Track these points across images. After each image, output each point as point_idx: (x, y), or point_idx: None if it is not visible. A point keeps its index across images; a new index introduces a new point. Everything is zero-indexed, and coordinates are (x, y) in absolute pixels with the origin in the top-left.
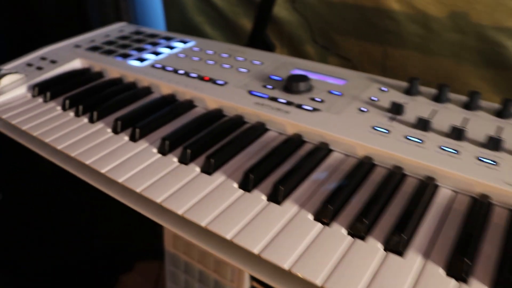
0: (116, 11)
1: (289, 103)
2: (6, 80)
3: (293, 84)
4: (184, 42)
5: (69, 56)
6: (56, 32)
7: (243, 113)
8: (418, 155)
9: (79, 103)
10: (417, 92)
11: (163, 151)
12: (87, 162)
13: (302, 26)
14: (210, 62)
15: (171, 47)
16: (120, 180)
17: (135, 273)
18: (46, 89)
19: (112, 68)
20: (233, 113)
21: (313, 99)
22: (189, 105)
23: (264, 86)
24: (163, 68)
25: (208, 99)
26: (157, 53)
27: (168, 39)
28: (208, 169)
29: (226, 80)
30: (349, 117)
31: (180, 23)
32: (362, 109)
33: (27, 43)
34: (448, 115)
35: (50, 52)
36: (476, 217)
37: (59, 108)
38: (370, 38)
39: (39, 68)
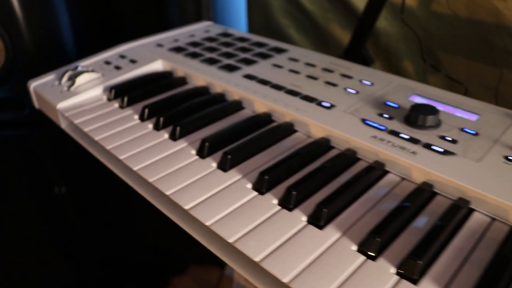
0: (197, 8)
1: (414, 141)
2: (82, 79)
3: (419, 117)
4: (279, 50)
5: (150, 56)
6: (134, 28)
7: (356, 148)
8: None
9: (160, 114)
10: None
11: (260, 188)
12: (168, 192)
13: (402, 39)
14: (313, 78)
15: (265, 55)
16: (208, 223)
17: (187, 276)
18: (124, 93)
19: (198, 74)
20: (343, 146)
21: (443, 138)
22: (289, 129)
23: (380, 115)
24: (257, 80)
25: (313, 125)
26: (249, 61)
27: (260, 45)
28: (318, 221)
29: (333, 102)
30: (494, 167)
31: (263, 25)
32: (510, 157)
33: (104, 39)
34: None
35: (130, 50)
36: None
37: (136, 117)
38: (484, 59)
39: (118, 68)
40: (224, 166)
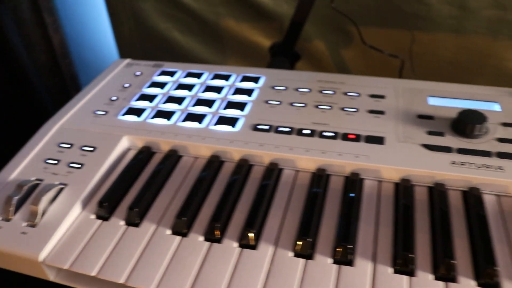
0: (40, 28)
1: (486, 154)
2: (45, 202)
3: (476, 127)
4: (252, 79)
5: (107, 135)
6: None
7: (442, 180)
8: None
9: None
10: None
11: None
12: None
13: (308, 21)
14: (325, 107)
15: (244, 91)
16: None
17: None
18: (117, 203)
19: (192, 143)
20: (426, 182)
21: (502, 140)
22: (359, 182)
23: (430, 133)
24: (274, 130)
25: (385, 169)
26: (238, 105)
27: (223, 78)
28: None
29: (377, 133)
30: None
31: (136, 34)
32: None
33: None
34: None
35: (63, 132)
36: None
37: (168, 232)
38: (396, 25)
39: (76, 165)
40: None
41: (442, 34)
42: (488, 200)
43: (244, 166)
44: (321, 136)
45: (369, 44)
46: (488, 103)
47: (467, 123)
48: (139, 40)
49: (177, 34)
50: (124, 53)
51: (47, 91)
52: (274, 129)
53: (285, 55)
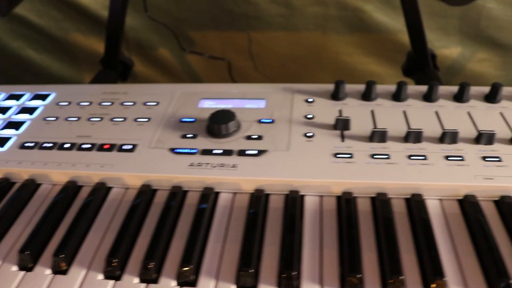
0: None
1: (228, 153)
2: None
3: (221, 127)
4: (41, 97)
5: None
6: None
7: (180, 183)
8: (399, 176)
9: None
10: (345, 95)
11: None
12: None
13: (151, 30)
14: (96, 119)
15: (28, 110)
16: None
17: None
18: None
19: None
20: (166, 186)
21: (249, 138)
22: (104, 192)
23: (184, 136)
24: (39, 146)
25: (127, 176)
26: (16, 125)
27: (15, 97)
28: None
29: (132, 141)
30: (302, 150)
31: None
32: (308, 134)
33: None
34: (390, 114)
35: None
36: None
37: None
38: (231, 27)
39: None
40: (58, 270)
41: (275, 32)
42: (223, 197)
43: (2, 184)
44: (79, 148)
45: (190, 49)
46: (256, 100)
47: (213, 124)
48: None
49: (31, 52)
50: None
51: None
52: (39, 146)
53: (111, 66)
